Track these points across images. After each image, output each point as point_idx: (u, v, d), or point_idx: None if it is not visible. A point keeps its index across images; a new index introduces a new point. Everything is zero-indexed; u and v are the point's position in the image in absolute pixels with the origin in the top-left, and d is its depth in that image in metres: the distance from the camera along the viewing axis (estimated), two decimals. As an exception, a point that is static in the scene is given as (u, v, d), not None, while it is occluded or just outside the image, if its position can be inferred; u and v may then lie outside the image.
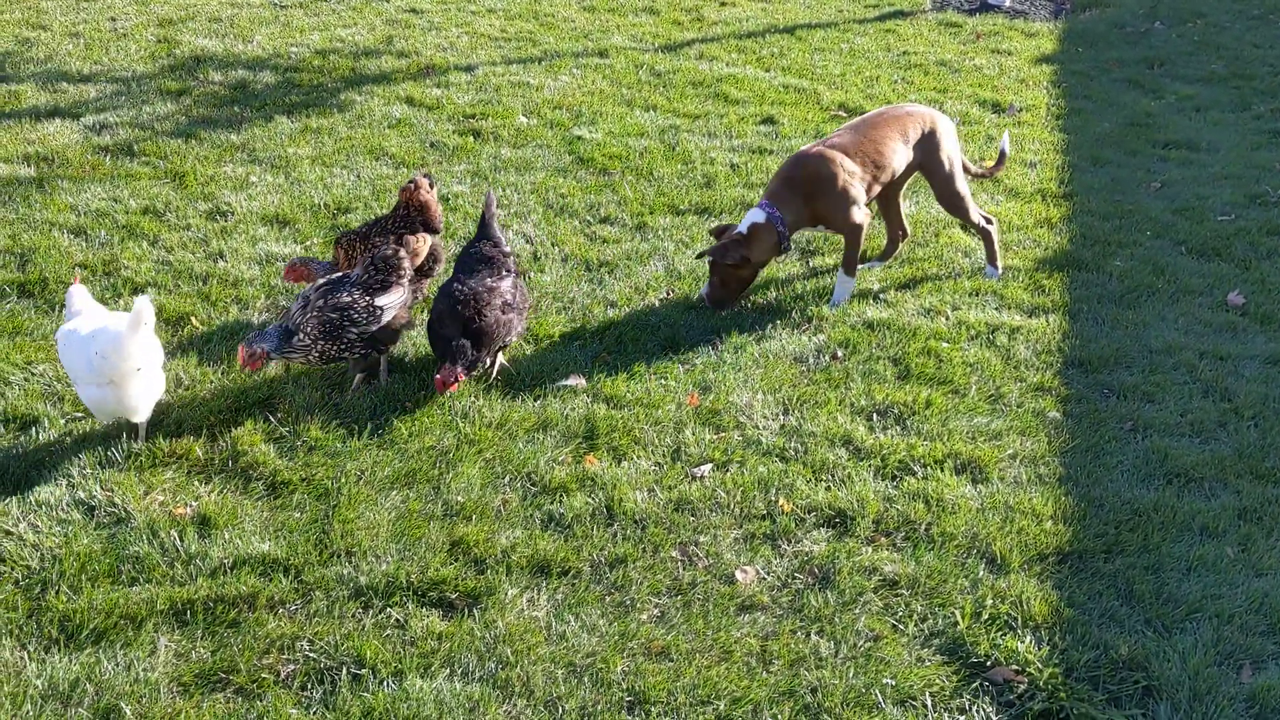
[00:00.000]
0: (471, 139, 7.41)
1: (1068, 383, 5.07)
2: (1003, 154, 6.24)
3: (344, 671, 3.41)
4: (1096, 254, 6.28)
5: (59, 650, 3.42)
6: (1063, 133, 8.14)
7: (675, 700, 3.39)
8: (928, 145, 5.73)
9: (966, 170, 5.98)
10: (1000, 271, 5.94)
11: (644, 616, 3.71)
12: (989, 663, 3.57)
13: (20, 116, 7.33)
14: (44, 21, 9.26)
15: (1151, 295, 5.89)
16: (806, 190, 5.48)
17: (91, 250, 5.72)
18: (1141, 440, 4.72)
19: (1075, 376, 5.13)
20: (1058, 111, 8.59)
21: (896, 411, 4.79)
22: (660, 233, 6.26)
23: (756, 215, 5.42)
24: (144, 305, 4.04)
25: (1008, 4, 11.48)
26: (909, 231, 6.11)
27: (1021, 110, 8.52)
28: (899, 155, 5.65)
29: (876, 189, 5.65)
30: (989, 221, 5.94)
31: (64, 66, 8.29)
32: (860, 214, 5.51)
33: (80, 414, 4.49)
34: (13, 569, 3.72)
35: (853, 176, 5.47)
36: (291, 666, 3.43)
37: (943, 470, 4.43)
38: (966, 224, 5.98)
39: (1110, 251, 6.33)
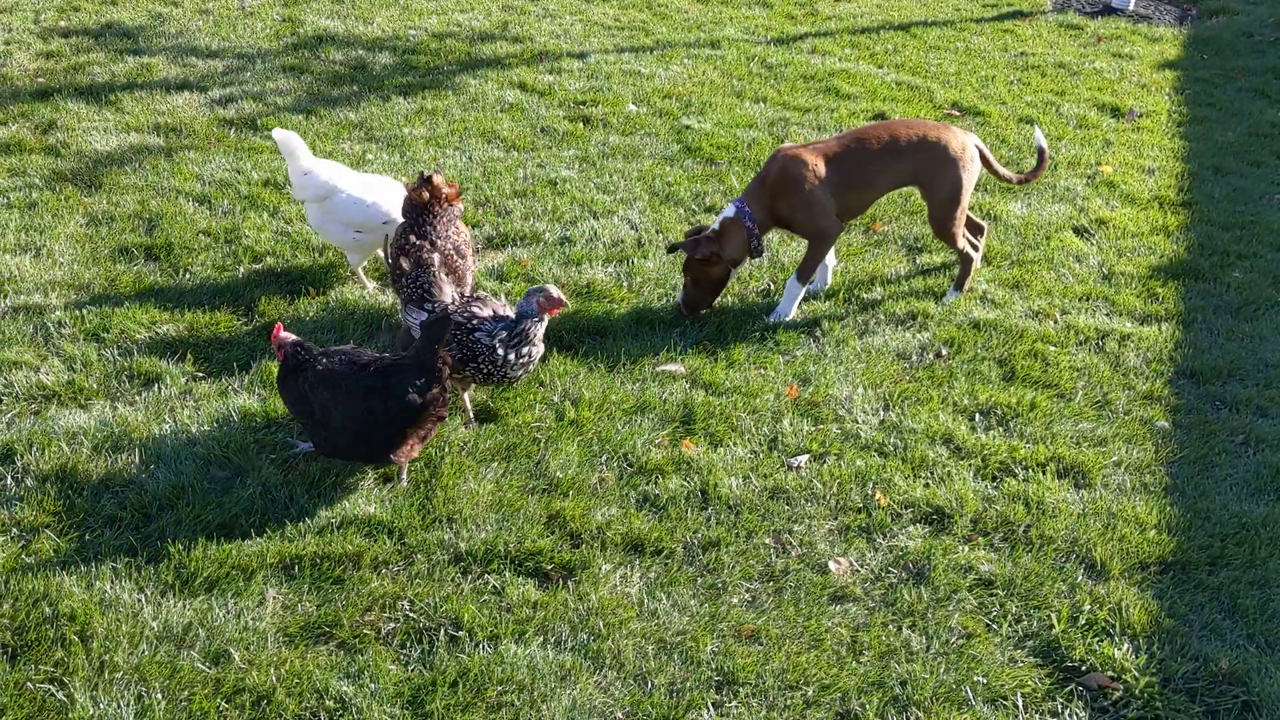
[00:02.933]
0: (581, 125, 7.50)
1: (1178, 393, 4.97)
2: (1041, 153, 5.69)
3: (442, 632, 3.51)
4: (1214, 264, 6.13)
5: (174, 595, 3.58)
6: (1184, 140, 7.93)
7: (764, 683, 3.42)
8: (926, 162, 5.33)
9: (1006, 180, 5.66)
10: (960, 295, 5.57)
11: (735, 600, 3.74)
12: (1084, 668, 3.53)
13: (151, 88, 7.62)
14: (176, -2, 9.60)
15: (1270, 308, 5.72)
16: (772, 188, 5.24)
17: (215, 219, 5.93)
18: (1253, 454, 4.60)
19: (1186, 387, 5.02)
20: (1179, 119, 8.37)
21: (999, 413, 4.74)
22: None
23: (728, 211, 5.25)
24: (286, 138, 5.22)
25: (1131, 7, 11.20)
26: (983, 226, 5.76)
27: (1141, 116, 8.33)
28: (888, 171, 5.33)
29: (858, 201, 5.38)
30: (974, 248, 5.60)
31: (193, 42, 8.58)
32: (826, 221, 5.25)
33: (201, 374, 4.67)
34: (133, 516, 3.89)
35: (823, 183, 5.20)
36: (392, 624, 3.54)
37: (1044, 474, 4.38)
38: (951, 248, 5.53)
39: (1229, 262, 6.17)
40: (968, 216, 5.64)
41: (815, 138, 7.43)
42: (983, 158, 5.50)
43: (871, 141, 5.34)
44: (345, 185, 5.26)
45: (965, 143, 5.40)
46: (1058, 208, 6.68)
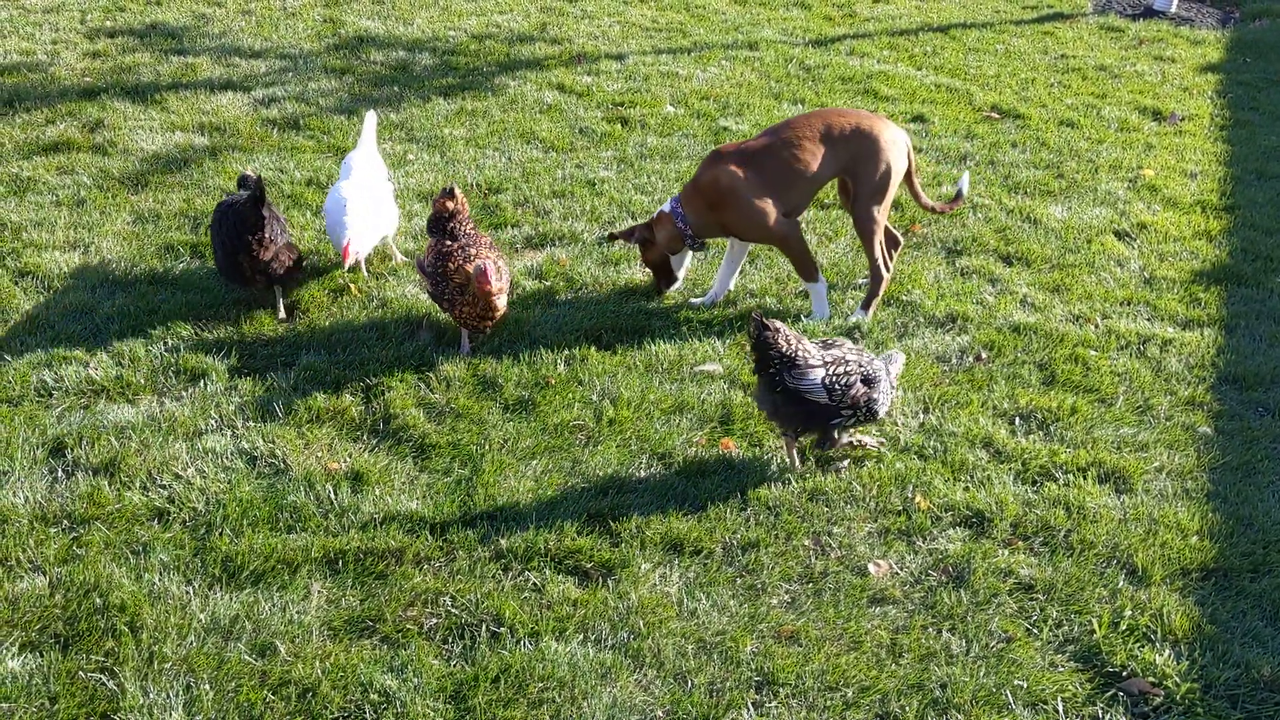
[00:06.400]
0: (619, 126, 7.53)
1: (1220, 398, 4.93)
2: (959, 194, 5.70)
3: (483, 628, 3.54)
4: (1257, 269, 6.07)
5: (221, 588, 3.63)
6: (1226, 144, 7.87)
7: (803, 684, 3.43)
8: (857, 151, 5.22)
9: (914, 194, 5.56)
10: (868, 316, 5.39)
11: (774, 601, 3.75)
12: (1124, 673, 3.52)
13: (196, 88, 7.72)
14: (220, -1, 9.71)
15: (1315, 314, 5.67)
16: (709, 199, 5.22)
17: (258, 217, 6.00)
18: (1297, 462, 4.56)
19: (1229, 393, 4.99)
20: (1222, 122, 8.30)
21: (1040, 417, 4.72)
22: (803, 225, 6.26)
23: (665, 206, 5.35)
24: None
25: (1173, 10, 11.11)
26: (899, 240, 5.66)
27: (1183, 119, 8.26)
28: (819, 161, 5.19)
29: (798, 197, 5.24)
30: (886, 269, 5.40)
31: (236, 42, 8.68)
32: (774, 221, 5.17)
33: (245, 370, 4.73)
34: (181, 510, 3.95)
35: (757, 188, 5.13)
36: (434, 620, 3.58)
37: (1085, 478, 4.36)
38: (866, 252, 5.36)
39: (1272, 267, 6.11)
40: (886, 228, 5.53)
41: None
42: (908, 163, 5.40)
43: (804, 131, 5.25)
44: (347, 172, 5.58)
45: (897, 136, 5.34)
46: (1099, 211, 6.64)
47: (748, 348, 4.28)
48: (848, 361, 4.21)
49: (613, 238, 5.54)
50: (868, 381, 4.20)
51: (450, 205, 5.02)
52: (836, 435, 4.31)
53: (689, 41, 9.39)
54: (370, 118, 5.92)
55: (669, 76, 8.49)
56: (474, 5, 9.99)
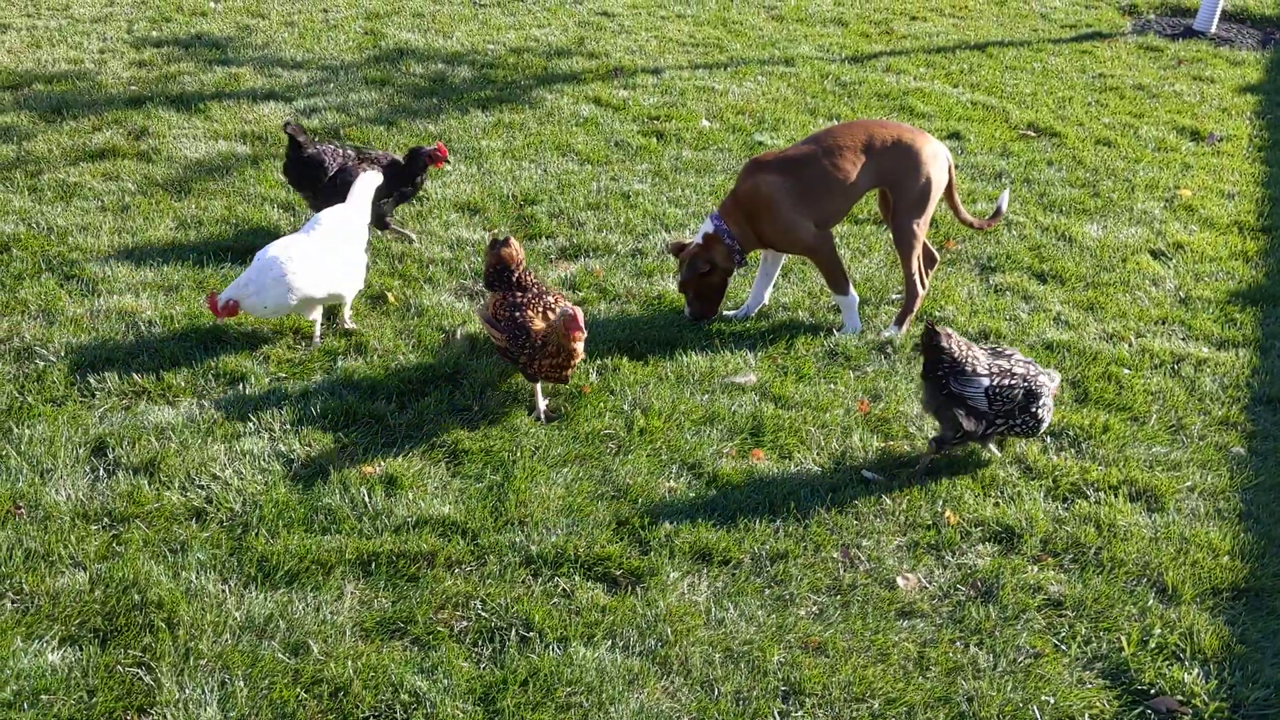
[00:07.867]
0: (654, 140, 7.58)
1: (1254, 419, 4.90)
2: (998, 210, 5.65)
3: (513, 633, 3.58)
4: (1294, 290, 6.04)
5: (256, 587, 3.69)
6: (1265, 165, 7.82)
7: (830, 695, 3.45)
8: (897, 163, 5.22)
9: (953, 208, 5.54)
10: (901, 332, 5.39)
11: (802, 612, 3.77)
12: (1153, 691, 3.51)
13: (239, 97, 7.84)
14: (263, 10, 9.86)
15: (1352, 337, 5.63)
16: (747, 210, 5.21)
17: (298, 224, 6.09)
18: (1332, 484, 4.53)
19: (1263, 413, 4.96)
20: (1260, 143, 8.25)
21: (1071, 434, 4.72)
22: (837, 239, 6.27)
23: (707, 226, 5.27)
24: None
25: (1212, 30, 11.05)
26: (936, 257, 5.64)
27: (1222, 139, 8.22)
28: (859, 170, 5.18)
29: (836, 206, 5.26)
30: (923, 285, 5.44)
31: (279, 53, 8.81)
32: (809, 233, 5.19)
33: (283, 374, 4.81)
34: (219, 510, 4.02)
35: (797, 198, 5.14)
36: (465, 623, 3.62)
37: (1116, 496, 4.35)
38: (903, 266, 5.36)
39: (1310, 289, 6.07)
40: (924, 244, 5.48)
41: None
42: (948, 178, 5.39)
43: (846, 140, 5.24)
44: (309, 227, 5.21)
45: (938, 151, 5.32)
46: (1135, 230, 6.62)
47: (921, 349, 4.41)
48: (1014, 374, 4.30)
49: (684, 285, 5.34)
50: (1030, 395, 4.28)
51: (515, 256, 4.78)
52: (956, 436, 4.36)
53: (725, 57, 9.45)
54: (368, 179, 5.49)
55: (705, 91, 8.54)
56: (512, 19, 10.09)
